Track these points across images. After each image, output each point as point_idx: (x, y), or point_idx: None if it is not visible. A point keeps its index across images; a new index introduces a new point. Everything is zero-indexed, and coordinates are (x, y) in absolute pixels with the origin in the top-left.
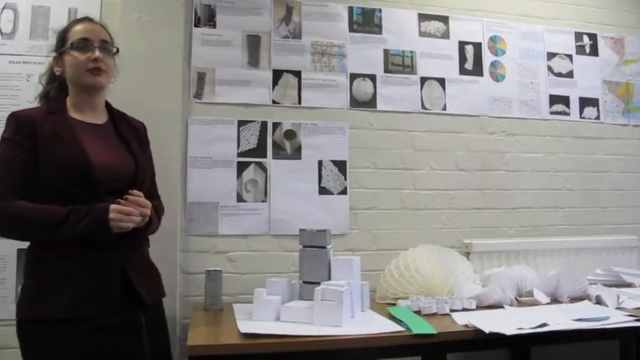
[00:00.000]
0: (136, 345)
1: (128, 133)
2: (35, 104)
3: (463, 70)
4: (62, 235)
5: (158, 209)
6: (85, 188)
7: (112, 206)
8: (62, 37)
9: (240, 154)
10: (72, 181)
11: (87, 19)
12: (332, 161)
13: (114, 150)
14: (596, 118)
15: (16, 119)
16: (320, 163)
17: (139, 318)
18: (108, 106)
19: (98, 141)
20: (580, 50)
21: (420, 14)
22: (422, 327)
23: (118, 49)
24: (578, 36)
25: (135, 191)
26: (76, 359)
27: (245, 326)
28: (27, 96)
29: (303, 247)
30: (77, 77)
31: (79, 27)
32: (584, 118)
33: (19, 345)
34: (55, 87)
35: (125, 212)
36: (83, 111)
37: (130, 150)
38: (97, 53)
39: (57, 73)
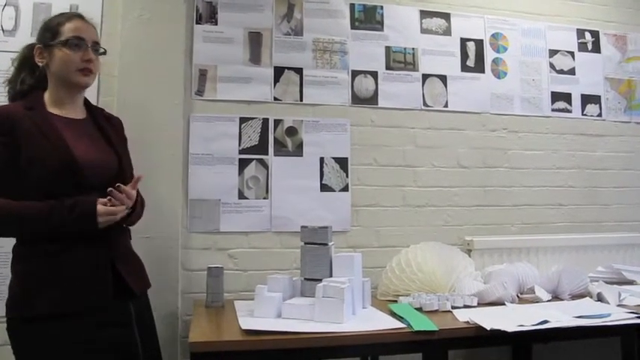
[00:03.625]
0: (127, 336)
1: (108, 128)
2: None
3: (465, 67)
4: (48, 226)
5: (142, 202)
6: (69, 184)
7: (99, 206)
8: (54, 30)
9: (241, 151)
10: (57, 177)
11: (80, 17)
12: (333, 158)
13: (96, 145)
14: (598, 116)
15: None
16: (321, 160)
17: (129, 309)
18: (86, 102)
19: (80, 136)
20: (582, 47)
21: (421, 11)
22: (423, 324)
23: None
24: (580, 33)
25: (121, 185)
26: (68, 355)
27: (246, 323)
28: None
29: (305, 244)
30: (66, 74)
31: (73, 24)
32: (586, 115)
33: (10, 344)
34: (30, 75)
35: (111, 212)
36: (63, 106)
37: (112, 145)
38: (91, 55)
39: (39, 64)
